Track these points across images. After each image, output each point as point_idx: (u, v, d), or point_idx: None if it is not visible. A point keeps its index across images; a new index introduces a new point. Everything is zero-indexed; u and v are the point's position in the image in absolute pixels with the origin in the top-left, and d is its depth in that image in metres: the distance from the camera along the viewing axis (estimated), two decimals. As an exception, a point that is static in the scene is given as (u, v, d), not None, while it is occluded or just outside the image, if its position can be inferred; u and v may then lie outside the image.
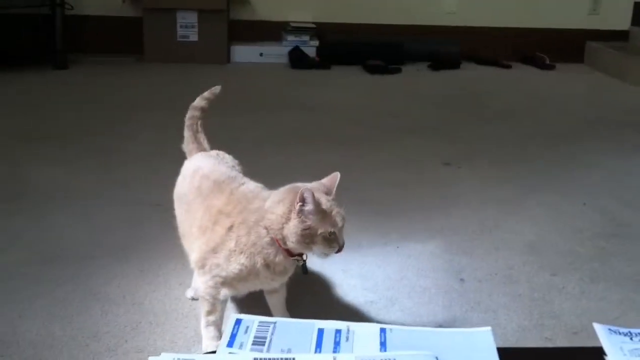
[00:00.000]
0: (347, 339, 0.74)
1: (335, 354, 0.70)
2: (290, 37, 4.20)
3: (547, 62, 4.34)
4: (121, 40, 4.13)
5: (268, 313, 1.39)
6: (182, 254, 1.43)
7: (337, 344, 0.73)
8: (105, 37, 4.15)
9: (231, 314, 0.87)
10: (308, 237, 1.21)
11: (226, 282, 1.28)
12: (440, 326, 1.43)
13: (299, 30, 4.21)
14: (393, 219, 1.98)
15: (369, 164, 2.46)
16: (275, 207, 1.24)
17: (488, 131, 2.97)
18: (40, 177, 2.22)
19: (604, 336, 0.86)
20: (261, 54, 4.19)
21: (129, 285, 1.55)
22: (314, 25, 4.26)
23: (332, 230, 1.22)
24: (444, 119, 3.17)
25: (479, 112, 3.32)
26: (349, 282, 1.60)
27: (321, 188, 1.28)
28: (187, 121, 1.58)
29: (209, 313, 1.31)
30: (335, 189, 1.27)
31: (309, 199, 1.21)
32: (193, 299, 1.48)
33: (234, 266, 1.25)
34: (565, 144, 2.78)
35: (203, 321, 1.32)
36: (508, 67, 4.32)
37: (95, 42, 4.14)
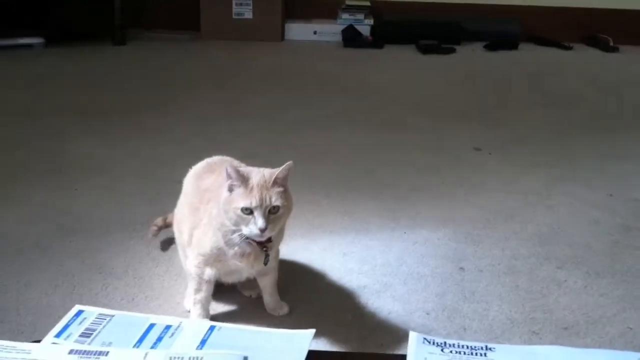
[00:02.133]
0: (172, 335, 0.76)
1: (149, 350, 0.73)
2: (345, 16, 4.19)
3: (611, 44, 4.18)
4: (179, 17, 4.22)
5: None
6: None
7: (159, 339, 0.76)
8: (164, 13, 4.25)
9: (76, 305, 0.91)
10: (228, 211, 1.23)
11: (207, 261, 1.32)
12: (428, 314, 1.44)
13: (354, 8, 4.20)
14: (408, 203, 1.98)
15: (402, 147, 2.46)
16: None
17: (535, 116, 2.90)
18: (82, 152, 2.33)
19: (413, 345, 0.84)
20: (315, 32, 4.20)
21: (133, 260, 1.62)
22: (369, 4, 4.23)
23: (247, 206, 1.21)
24: (491, 102, 3.11)
25: (531, 95, 3.25)
26: (346, 266, 1.62)
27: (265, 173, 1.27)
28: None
29: (196, 291, 1.36)
30: (279, 177, 1.25)
31: (232, 173, 1.22)
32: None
33: (207, 242, 1.29)
34: (611, 133, 2.69)
35: (191, 299, 1.37)
36: (569, 48, 4.18)
37: (154, 19, 4.25)
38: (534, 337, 1.37)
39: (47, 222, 1.81)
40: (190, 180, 1.44)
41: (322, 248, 1.70)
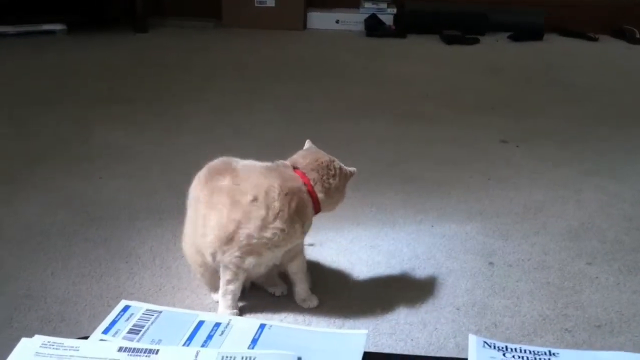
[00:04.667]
0: (222, 333, 0.75)
1: (200, 348, 0.71)
2: (368, 5, 4.16)
3: (637, 35, 4.12)
4: (200, 4, 4.21)
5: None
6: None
7: (209, 337, 0.74)
8: (185, 1, 4.23)
9: (122, 300, 0.90)
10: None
11: (255, 250, 1.31)
12: (458, 309, 1.42)
13: (376, -3, 4.17)
14: (434, 196, 1.95)
15: (426, 139, 2.43)
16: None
17: (561, 108, 2.86)
18: (105, 139, 2.33)
19: (474, 349, 0.82)
20: (337, 21, 4.17)
21: (160, 249, 1.61)
22: (392, -7, 4.20)
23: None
24: (515, 94, 3.08)
25: (555, 87, 3.20)
26: (374, 259, 1.60)
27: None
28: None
29: (229, 282, 1.34)
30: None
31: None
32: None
33: (269, 232, 1.30)
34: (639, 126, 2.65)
35: (222, 289, 1.35)
36: (595, 39, 4.13)
37: (176, 6, 4.23)
38: (567, 334, 1.35)
39: (72, 210, 1.80)
40: (201, 186, 1.40)
41: (350, 240, 1.68)
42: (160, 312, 0.74)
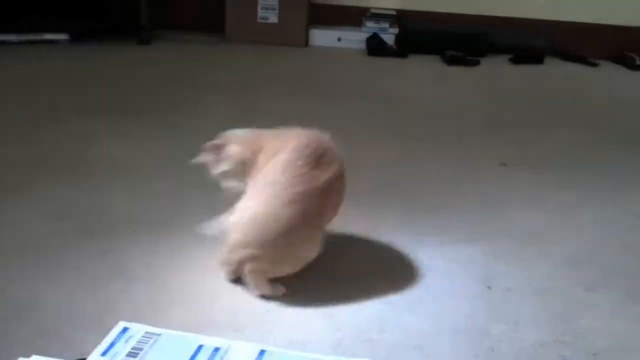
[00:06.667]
0: (221, 358, 0.74)
1: None
2: (370, 24, 4.17)
3: (637, 62, 4.13)
4: (204, 18, 4.22)
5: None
6: (216, 239, 1.48)
7: None
8: (189, 15, 4.24)
9: (120, 322, 0.89)
10: None
11: None
12: (457, 333, 1.41)
13: (378, 16, 4.18)
14: (432, 218, 1.95)
15: (426, 159, 2.42)
16: None
17: (560, 133, 2.86)
18: (106, 150, 2.31)
19: None
20: (339, 39, 4.18)
21: (156, 263, 1.60)
22: (394, 13, 4.21)
23: None
24: (515, 116, 3.08)
25: (555, 111, 3.20)
26: (374, 279, 1.59)
27: None
28: None
29: None
30: None
31: None
32: None
33: None
34: (638, 152, 2.65)
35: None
36: (595, 64, 4.14)
37: (179, 20, 4.24)
38: (564, 362, 1.34)
39: (70, 221, 1.79)
40: None
41: (346, 262, 1.67)
42: (160, 334, 0.73)
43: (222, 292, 1.49)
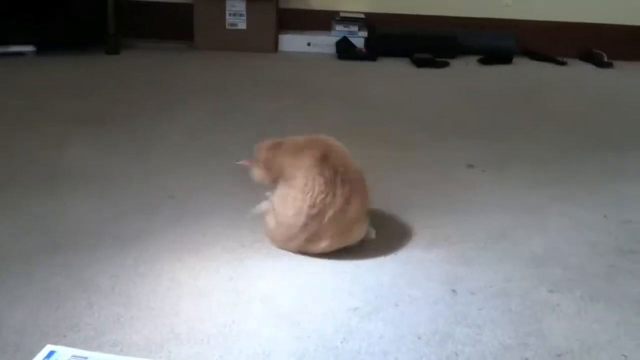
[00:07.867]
0: None
1: None
2: (339, 27, 4.18)
3: (605, 59, 4.18)
4: (172, 26, 4.21)
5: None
6: (182, 250, 1.47)
7: None
8: (157, 23, 4.23)
9: (47, 345, 0.88)
10: None
11: None
12: (419, 339, 1.41)
13: (347, 20, 4.19)
14: (399, 222, 1.96)
15: (394, 162, 2.43)
16: None
17: (530, 133, 2.89)
18: (74, 161, 2.30)
19: None
20: (309, 44, 4.19)
21: (121, 277, 1.59)
22: (363, 16, 4.23)
23: None
24: (485, 117, 3.10)
25: (525, 111, 3.24)
26: (337, 285, 1.60)
27: None
28: None
29: None
30: None
31: None
32: None
33: None
34: (607, 151, 2.68)
35: None
36: (563, 63, 4.19)
37: (147, 28, 4.23)
38: (526, 364, 1.35)
39: (36, 235, 1.78)
40: None
41: (314, 268, 1.67)
42: (86, 358, 0.73)
43: (186, 304, 1.49)
